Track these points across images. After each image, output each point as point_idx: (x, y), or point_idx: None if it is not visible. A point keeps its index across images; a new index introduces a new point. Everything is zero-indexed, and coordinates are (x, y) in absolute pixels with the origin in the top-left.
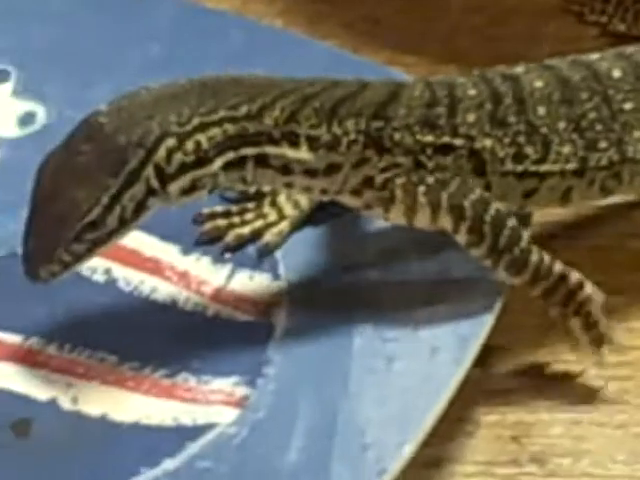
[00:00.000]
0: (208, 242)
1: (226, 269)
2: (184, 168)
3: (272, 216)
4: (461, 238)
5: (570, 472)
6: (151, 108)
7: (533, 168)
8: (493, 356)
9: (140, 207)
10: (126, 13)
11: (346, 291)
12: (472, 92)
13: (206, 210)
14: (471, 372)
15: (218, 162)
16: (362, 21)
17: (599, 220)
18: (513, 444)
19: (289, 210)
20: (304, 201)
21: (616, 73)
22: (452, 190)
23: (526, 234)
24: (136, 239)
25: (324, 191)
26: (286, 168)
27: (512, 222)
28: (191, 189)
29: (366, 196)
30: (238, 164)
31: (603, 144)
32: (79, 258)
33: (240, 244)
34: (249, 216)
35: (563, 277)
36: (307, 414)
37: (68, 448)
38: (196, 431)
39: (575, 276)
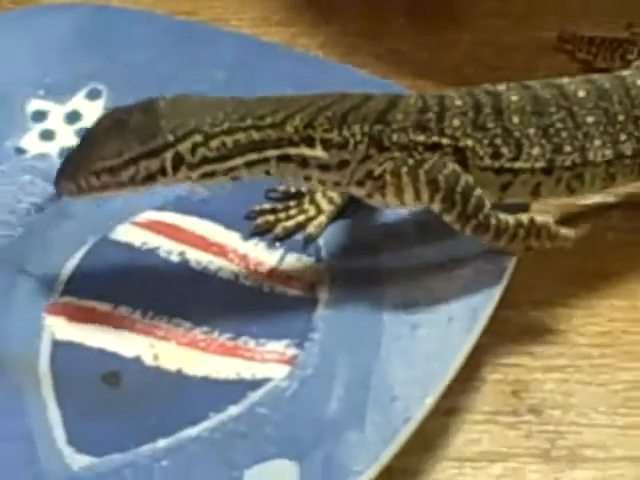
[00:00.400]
0: (261, 233)
1: (278, 253)
2: (206, 161)
3: (312, 211)
4: (436, 206)
5: (560, 421)
6: (195, 108)
7: (508, 165)
8: (498, 325)
9: (149, 178)
10: (198, 43)
11: (377, 271)
12: (458, 102)
13: (257, 207)
14: (480, 338)
15: (237, 160)
16: (389, 53)
17: (584, 216)
18: (513, 398)
19: (325, 205)
20: (337, 198)
21: (581, 93)
22: (428, 167)
23: (488, 202)
24: (206, 227)
25: (337, 183)
26: (305, 163)
27: (478, 192)
28: (211, 176)
29: (367, 186)
30: (262, 162)
31: (568, 148)
32: (92, 190)
33: (287, 235)
34: (293, 212)
35: (518, 224)
36: (346, 371)
37: (150, 396)
38: (255, 384)
39: (525, 217)
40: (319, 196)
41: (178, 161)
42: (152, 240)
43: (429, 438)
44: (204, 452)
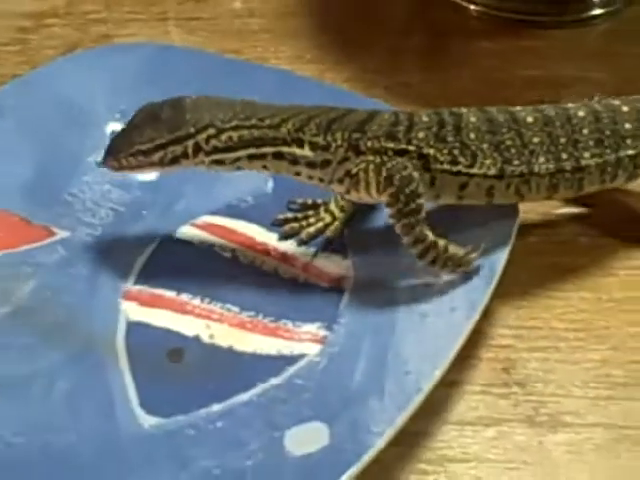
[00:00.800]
0: (287, 237)
1: (311, 251)
2: (216, 150)
3: (328, 218)
4: (384, 198)
5: (542, 392)
6: (212, 106)
7: (464, 170)
8: (492, 313)
9: (175, 160)
10: (243, 77)
11: (392, 268)
12: (425, 119)
13: (280, 216)
14: (477, 324)
15: (241, 153)
16: (401, 86)
17: (561, 223)
18: (504, 373)
19: (338, 213)
20: (347, 206)
21: (529, 119)
22: (390, 165)
23: (424, 211)
24: (251, 229)
25: (321, 180)
26: (295, 161)
27: (420, 200)
28: (219, 164)
29: (346, 183)
30: (260, 157)
31: (516, 162)
32: (131, 168)
33: (310, 239)
34: (312, 220)
35: (433, 243)
36: (367, 349)
37: (207, 369)
38: (293, 359)
39: (443, 242)
40: (332, 206)
41: (197, 148)
42: (208, 239)
43: (436, 405)
44: (251, 415)
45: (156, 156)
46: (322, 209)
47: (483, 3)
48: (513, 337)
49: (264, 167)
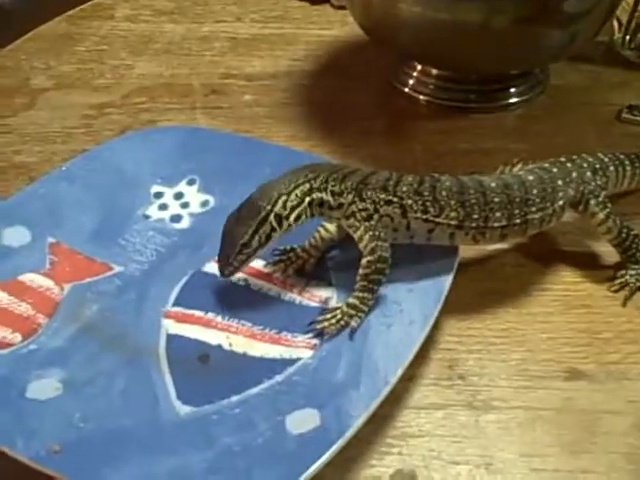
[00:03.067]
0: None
1: (305, 279)
2: (292, 209)
3: (305, 257)
4: (363, 248)
5: (477, 384)
6: (273, 184)
7: (432, 218)
8: (440, 324)
9: (268, 238)
10: (253, 151)
11: None
12: (409, 179)
13: (271, 260)
14: (429, 333)
15: (304, 205)
16: (370, 157)
17: (491, 257)
18: (449, 369)
19: (313, 253)
20: (319, 249)
21: (492, 184)
22: (379, 244)
23: (384, 279)
24: (259, 264)
25: (336, 217)
26: (322, 205)
27: (383, 278)
28: (297, 219)
29: (351, 220)
30: (311, 203)
31: (475, 216)
32: (241, 264)
33: (295, 272)
34: (293, 259)
35: (355, 305)
36: (347, 353)
37: (227, 369)
38: (291, 361)
39: (365, 310)
40: (307, 248)
41: (279, 219)
42: None
43: (398, 394)
44: (261, 404)
45: (254, 241)
46: (299, 250)
47: (429, 94)
48: (456, 342)
49: (312, 214)
